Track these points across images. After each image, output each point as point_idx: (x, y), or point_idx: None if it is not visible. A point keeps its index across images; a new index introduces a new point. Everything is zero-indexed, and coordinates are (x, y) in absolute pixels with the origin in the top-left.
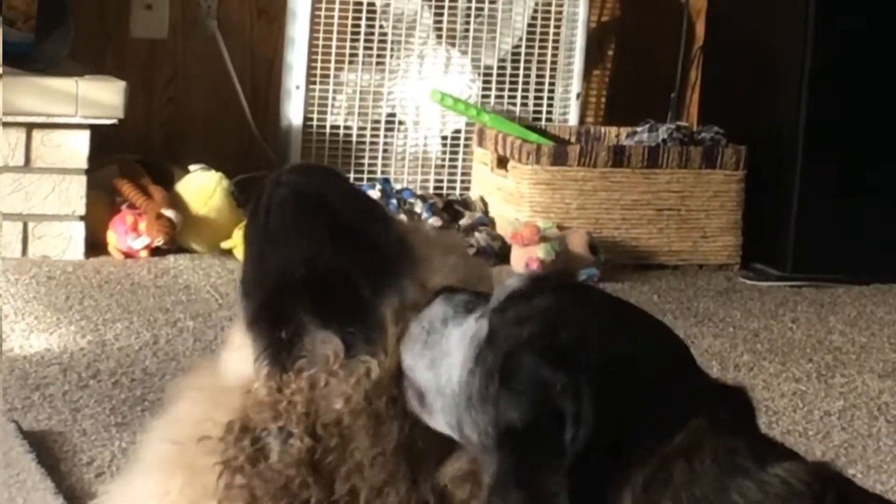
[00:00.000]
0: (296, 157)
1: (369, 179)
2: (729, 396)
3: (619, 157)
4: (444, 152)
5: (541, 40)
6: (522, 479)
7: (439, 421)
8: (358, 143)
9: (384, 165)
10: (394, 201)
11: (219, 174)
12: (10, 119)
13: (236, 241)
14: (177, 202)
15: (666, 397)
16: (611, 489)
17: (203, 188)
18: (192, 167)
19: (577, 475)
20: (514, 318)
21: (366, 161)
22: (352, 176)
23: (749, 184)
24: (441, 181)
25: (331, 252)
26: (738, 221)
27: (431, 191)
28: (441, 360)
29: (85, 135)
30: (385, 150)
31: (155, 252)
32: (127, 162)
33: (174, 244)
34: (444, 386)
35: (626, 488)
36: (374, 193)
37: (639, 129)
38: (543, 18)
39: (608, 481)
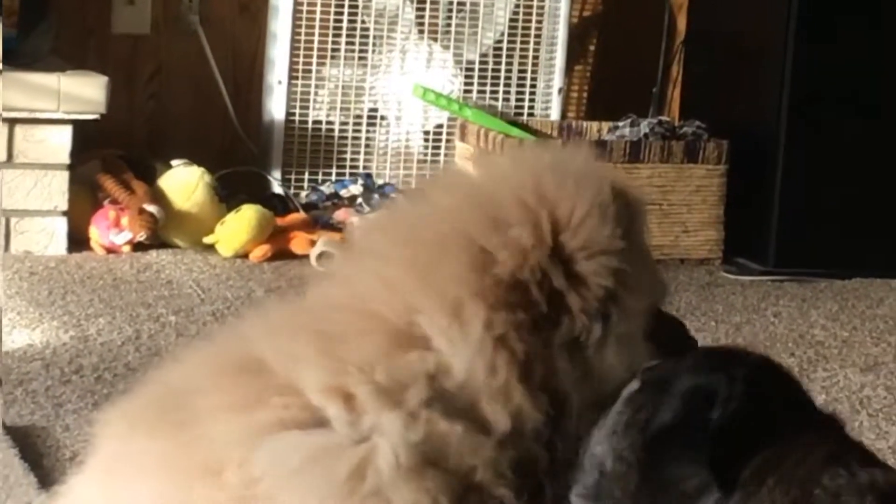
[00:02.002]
0: (278, 152)
1: (351, 174)
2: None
3: (600, 151)
4: (427, 147)
5: (522, 35)
6: (663, 474)
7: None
8: (340, 137)
9: (366, 160)
10: (376, 196)
11: (201, 169)
12: None
13: (218, 236)
14: (159, 197)
15: (790, 405)
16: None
17: (185, 183)
18: (174, 162)
19: (720, 444)
20: (658, 378)
21: (348, 156)
22: (334, 171)
23: (731, 178)
24: (423, 176)
25: None
26: (720, 216)
27: (414, 186)
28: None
29: (67, 130)
30: (367, 145)
31: (137, 247)
32: (109, 157)
33: (156, 239)
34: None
35: (748, 467)
36: (356, 188)
37: (620, 123)
38: (525, 13)
39: (743, 454)
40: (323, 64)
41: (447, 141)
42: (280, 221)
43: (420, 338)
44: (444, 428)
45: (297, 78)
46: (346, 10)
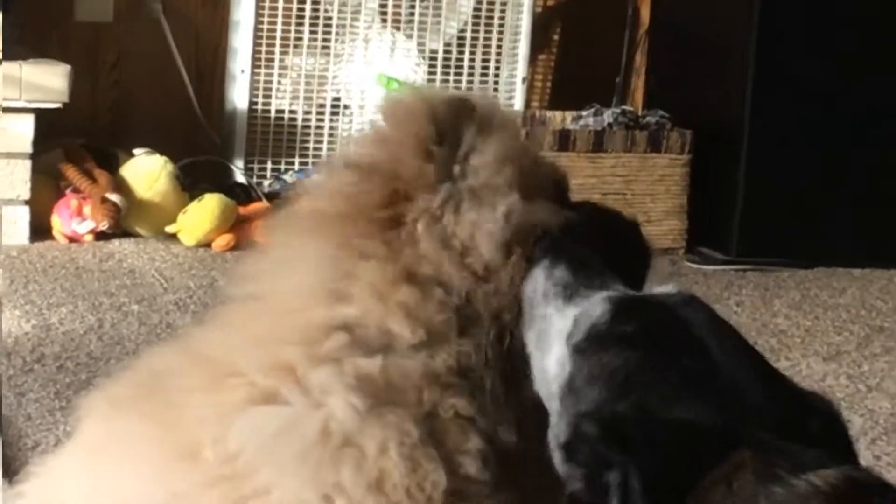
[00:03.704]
0: (241, 141)
1: (314, 163)
2: (803, 413)
3: (564, 141)
4: None
5: (486, 25)
6: None
7: (547, 407)
8: (303, 127)
9: (329, 149)
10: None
11: (163, 158)
12: None
13: (181, 226)
14: (121, 186)
15: (720, 457)
16: None
17: (148, 172)
18: (136, 151)
19: None
20: (586, 373)
21: (311, 145)
22: (297, 160)
23: (694, 168)
24: None
25: None
26: (684, 205)
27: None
28: (544, 346)
29: (29, 119)
30: (330, 135)
31: (100, 236)
32: (72, 146)
33: (119, 228)
34: (548, 378)
35: None
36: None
37: (584, 113)
38: (489, 3)
39: None
40: (286, 53)
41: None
42: (243, 211)
43: (334, 294)
44: (366, 365)
45: (260, 67)
46: None
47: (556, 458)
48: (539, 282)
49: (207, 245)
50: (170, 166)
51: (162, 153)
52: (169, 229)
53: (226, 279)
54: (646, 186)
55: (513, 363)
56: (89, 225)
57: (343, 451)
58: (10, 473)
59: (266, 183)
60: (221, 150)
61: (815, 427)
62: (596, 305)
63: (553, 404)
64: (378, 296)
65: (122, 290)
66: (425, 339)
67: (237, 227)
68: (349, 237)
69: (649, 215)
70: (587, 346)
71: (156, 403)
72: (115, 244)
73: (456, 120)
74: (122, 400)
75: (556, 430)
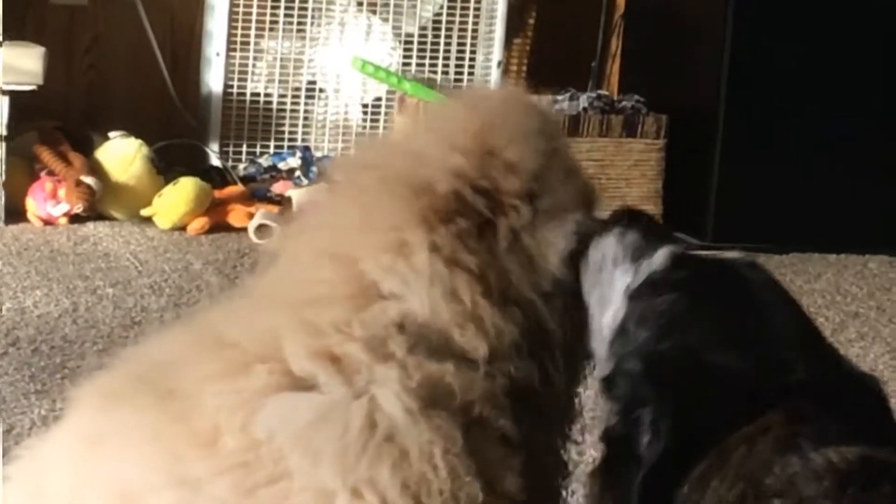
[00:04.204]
0: (216, 124)
1: (289, 147)
2: (844, 385)
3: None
4: (365, 120)
5: (462, 8)
6: (607, 482)
7: (604, 367)
8: (278, 110)
9: (305, 133)
10: (314, 169)
11: (139, 141)
12: None
13: (156, 209)
14: (96, 169)
15: (752, 409)
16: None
17: (123, 155)
18: (111, 134)
19: (647, 484)
20: (638, 315)
21: (286, 128)
22: (272, 144)
23: (669, 153)
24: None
25: None
26: (659, 190)
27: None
28: (605, 303)
29: (4, 101)
30: (306, 118)
31: (74, 219)
32: (46, 129)
33: (94, 211)
34: (600, 336)
35: (687, 480)
36: (295, 161)
37: (559, 97)
38: None
39: (675, 485)
40: (261, 36)
41: (386, 114)
42: (218, 194)
43: (376, 289)
44: (434, 369)
45: (235, 50)
46: None
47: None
48: (610, 246)
49: (182, 228)
50: (145, 149)
51: (137, 136)
52: (144, 212)
53: (260, 258)
54: (621, 171)
55: (572, 382)
56: (64, 208)
57: (384, 447)
58: None
59: (241, 166)
60: (197, 134)
61: (855, 401)
62: (658, 256)
63: (601, 366)
64: (450, 296)
65: (96, 274)
66: (488, 356)
67: (212, 210)
68: (423, 213)
69: (624, 200)
70: (642, 291)
71: (157, 395)
72: (90, 227)
73: (547, 137)
74: (117, 392)
75: (601, 373)
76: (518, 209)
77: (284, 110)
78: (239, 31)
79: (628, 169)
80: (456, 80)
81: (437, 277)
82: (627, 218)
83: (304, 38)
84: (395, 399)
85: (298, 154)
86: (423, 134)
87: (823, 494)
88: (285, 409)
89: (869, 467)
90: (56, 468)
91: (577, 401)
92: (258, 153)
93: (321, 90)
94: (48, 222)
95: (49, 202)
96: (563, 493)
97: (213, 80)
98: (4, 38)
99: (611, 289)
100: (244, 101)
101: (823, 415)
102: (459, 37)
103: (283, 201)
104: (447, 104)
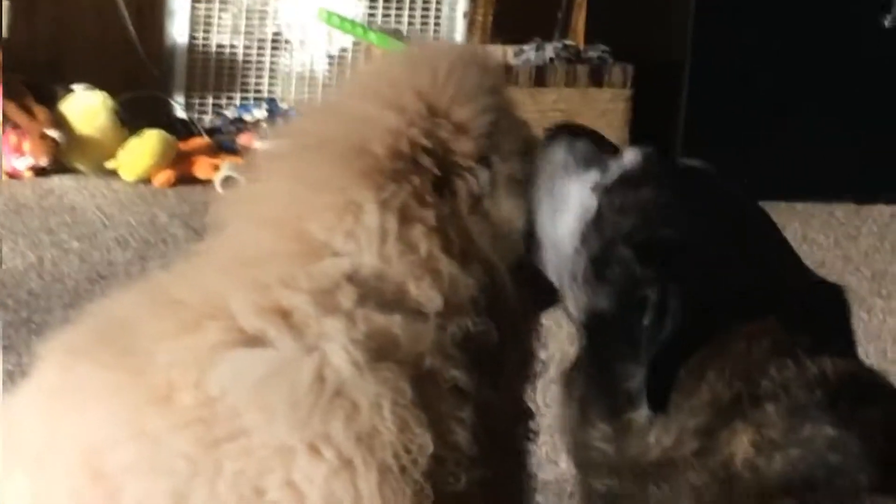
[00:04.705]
0: (181, 76)
1: (255, 99)
2: (819, 296)
3: (506, 76)
4: (331, 71)
5: None
6: (598, 365)
7: (549, 274)
8: (244, 62)
9: (271, 85)
10: (280, 121)
11: (103, 94)
12: None
13: (121, 161)
14: (61, 122)
15: (749, 299)
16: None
17: (87, 108)
18: (76, 87)
19: (656, 366)
20: (619, 205)
21: (252, 80)
22: (238, 95)
23: (636, 102)
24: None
25: None
26: (626, 140)
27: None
28: (559, 213)
29: None
30: (271, 70)
31: (39, 172)
32: (10, 82)
33: (58, 164)
34: (559, 240)
35: (684, 367)
36: (260, 113)
37: (526, 48)
38: None
39: (697, 355)
40: None
41: (351, 65)
42: (183, 146)
43: (323, 244)
44: (383, 320)
45: (200, 1)
46: None
47: (569, 296)
48: (558, 154)
49: (148, 181)
50: (109, 102)
51: (101, 88)
52: (109, 165)
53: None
54: (588, 121)
55: (526, 349)
56: (28, 161)
57: (335, 402)
58: None
59: (207, 118)
60: (161, 86)
61: (832, 309)
62: (628, 156)
63: (564, 265)
64: (405, 248)
65: (62, 227)
66: (442, 309)
67: (177, 162)
68: (370, 171)
69: None
70: (618, 186)
71: (117, 352)
72: (55, 180)
73: (497, 95)
74: (80, 348)
75: (573, 268)
76: (475, 172)
77: (250, 62)
78: None
79: (595, 119)
80: (422, 31)
81: (390, 232)
82: (569, 131)
83: None
84: (342, 352)
85: (264, 106)
86: (360, 95)
87: (815, 404)
88: (237, 366)
89: (860, 384)
90: (23, 424)
91: (532, 362)
92: (224, 105)
93: (287, 42)
94: (13, 176)
95: (13, 155)
96: (523, 450)
97: (178, 31)
98: None
99: (566, 194)
100: (209, 52)
101: (817, 321)
102: None
103: (248, 153)
104: (387, 63)
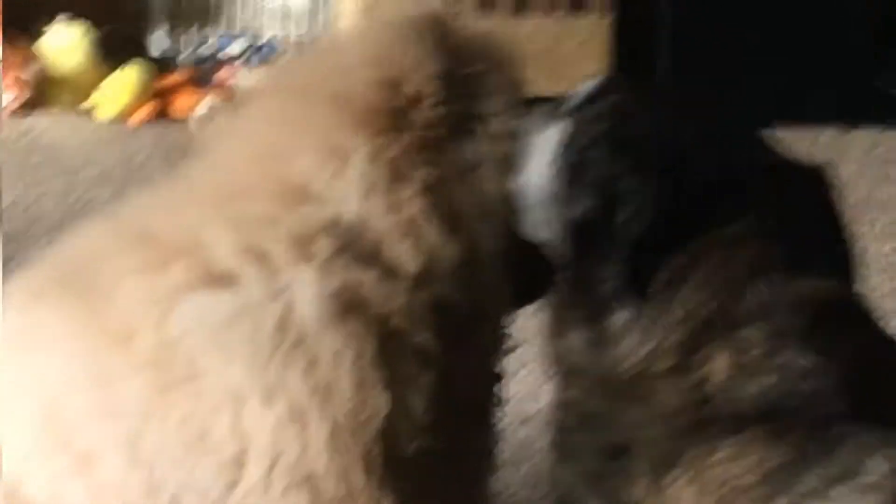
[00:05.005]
0: (160, 10)
1: (235, 34)
2: (793, 185)
3: (486, 3)
4: (311, 3)
5: None
6: (576, 270)
7: (527, 224)
8: None
9: (251, 19)
10: (258, 55)
11: (81, 29)
12: None
13: (99, 99)
14: (38, 59)
15: (722, 191)
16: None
17: (65, 44)
18: (53, 23)
19: (631, 261)
20: (589, 116)
21: (236, 13)
22: (217, 29)
23: (617, 30)
24: (306, 33)
25: None
26: (607, 69)
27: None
28: (526, 166)
29: None
30: (251, 3)
31: (16, 111)
32: None
33: (36, 103)
34: (529, 187)
35: (664, 270)
36: (239, 47)
37: None
38: None
39: (657, 263)
40: None
41: None
42: (162, 82)
43: (307, 190)
44: (357, 276)
45: None
46: None
47: (549, 218)
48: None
49: (126, 118)
50: (88, 38)
51: (79, 24)
52: (87, 103)
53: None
54: (571, 49)
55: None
56: (6, 99)
57: (296, 351)
58: None
59: (185, 53)
60: (140, 20)
61: (810, 192)
62: (584, 86)
63: (534, 205)
64: (390, 205)
65: (41, 167)
66: (419, 273)
67: (157, 98)
68: (363, 121)
69: (571, 81)
70: (584, 104)
71: (79, 290)
72: (33, 119)
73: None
74: (40, 288)
75: (551, 191)
76: (460, 142)
77: None
78: None
79: (578, 47)
80: None
81: (378, 186)
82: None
83: None
84: (309, 303)
85: (243, 40)
86: (325, 56)
87: (792, 331)
88: (200, 307)
89: (839, 311)
90: None
91: (504, 334)
92: (203, 40)
93: None
94: None
95: None
96: (488, 417)
97: None
98: None
99: (531, 148)
100: None
101: (789, 230)
102: None
103: (228, 88)
104: (347, 37)
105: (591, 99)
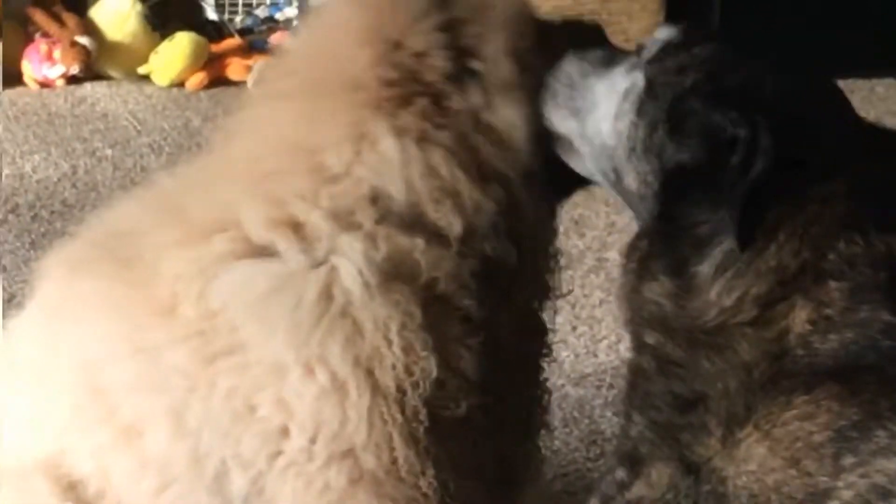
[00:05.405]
0: None
1: None
2: (880, 150)
3: None
4: None
5: None
6: (668, 217)
7: (586, 166)
8: None
9: None
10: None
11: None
12: None
13: (153, 66)
14: (91, 28)
15: (825, 140)
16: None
17: (117, 13)
18: None
19: (749, 201)
20: (674, 67)
21: None
22: None
23: None
24: None
25: None
26: (661, 23)
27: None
28: (588, 111)
29: None
30: None
31: (71, 80)
32: None
33: (90, 72)
34: (592, 136)
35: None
36: (291, 11)
37: None
38: None
39: (763, 211)
40: None
41: None
42: (215, 48)
43: (340, 171)
44: (404, 242)
45: None
46: None
47: (627, 170)
48: (572, 65)
49: (181, 85)
50: (139, 6)
51: None
52: (141, 70)
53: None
54: (621, 6)
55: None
56: (60, 69)
57: (339, 322)
58: None
59: (238, 18)
60: None
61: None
62: (662, 33)
63: (611, 148)
64: (427, 172)
65: (95, 135)
66: (463, 234)
67: (210, 65)
68: (376, 100)
69: (627, 34)
70: (664, 55)
71: (119, 263)
72: (87, 88)
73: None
74: (80, 261)
75: (629, 144)
76: (463, 89)
77: None
78: None
79: (629, 2)
80: None
81: (411, 158)
82: (575, 46)
83: None
84: (355, 271)
85: (295, 3)
86: (326, 37)
87: (875, 286)
88: (240, 278)
89: None
90: (24, 342)
91: (547, 277)
92: (254, 4)
93: None
94: (45, 85)
95: (45, 64)
96: (535, 369)
97: None
98: None
99: (591, 97)
100: None
101: (877, 184)
102: None
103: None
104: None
105: (668, 50)
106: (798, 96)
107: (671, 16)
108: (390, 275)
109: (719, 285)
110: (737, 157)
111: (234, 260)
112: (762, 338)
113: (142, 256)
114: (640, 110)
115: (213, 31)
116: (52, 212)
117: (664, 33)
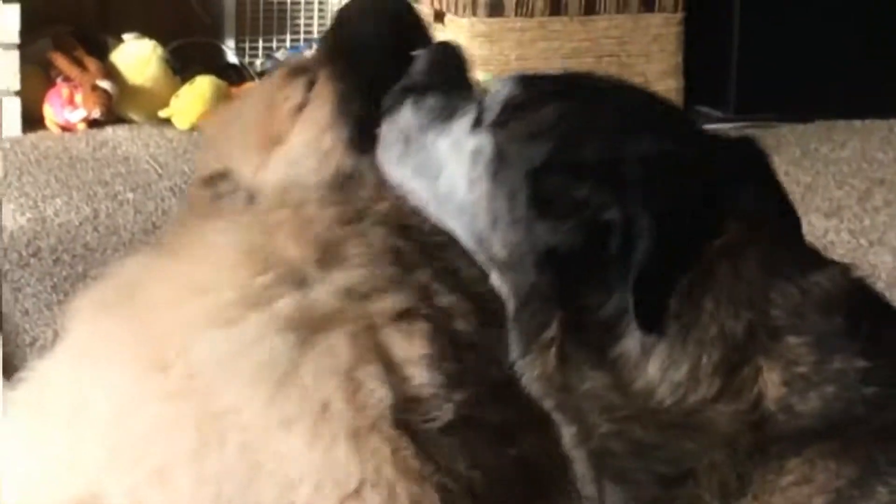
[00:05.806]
0: (230, 22)
1: (306, 40)
2: (753, 175)
3: (556, 5)
4: None
5: None
6: (566, 299)
7: (453, 227)
8: (293, 3)
9: (320, 25)
10: None
11: (153, 42)
12: None
13: (174, 110)
14: (112, 72)
15: (704, 196)
16: (665, 297)
17: (138, 57)
18: (126, 36)
19: (640, 287)
20: (523, 134)
21: (302, 22)
22: (288, 38)
23: (688, 26)
24: None
25: None
26: (679, 64)
27: None
28: (435, 170)
29: (15, 8)
30: (321, 10)
31: (92, 124)
32: (60, 34)
33: (111, 115)
34: (446, 196)
35: (673, 294)
36: (310, 54)
37: None
38: None
39: (664, 289)
40: None
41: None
42: (236, 91)
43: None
44: (291, 302)
45: None
46: None
47: (493, 241)
48: (406, 118)
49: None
50: (160, 50)
51: (151, 37)
52: (162, 114)
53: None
54: (640, 47)
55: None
56: (81, 113)
57: (287, 386)
58: (10, 371)
59: (258, 62)
60: (212, 31)
61: (737, 163)
62: (502, 86)
63: (461, 216)
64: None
65: (116, 179)
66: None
67: None
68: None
69: (645, 76)
70: (508, 117)
71: (134, 307)
72: (109, 132)
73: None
74: (108, 303)
75: (489, 215)
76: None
77: (299, 3)
78: None
79: (647, 45)
80: None
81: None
82: (412, 87)
83: None
84: (279, 338)
85: (315, 47)
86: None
87: (836, 333)
88: (211, 343)
89: (865, 302)
90: (54, 385)
91: None
92: (275, 48)
93: None
94: (66, 129)
95: (66, 108)
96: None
97: None
98: None
99: (434, 154)
100: None
101: (775, 221)
102: None
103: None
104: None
105: (511, 111)
106: (660, 154)
107: (690, 57)
108: (307, 328)
109: (657, 360)
110: (615, 242)
111: (209, 325)
112: (737, 411)
113: (141, 310)
114: (496, 178)
115: (234, 75)
116: (74, 255)
117: (504, 90)
